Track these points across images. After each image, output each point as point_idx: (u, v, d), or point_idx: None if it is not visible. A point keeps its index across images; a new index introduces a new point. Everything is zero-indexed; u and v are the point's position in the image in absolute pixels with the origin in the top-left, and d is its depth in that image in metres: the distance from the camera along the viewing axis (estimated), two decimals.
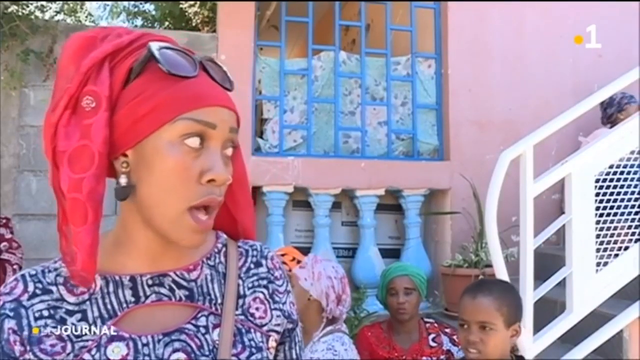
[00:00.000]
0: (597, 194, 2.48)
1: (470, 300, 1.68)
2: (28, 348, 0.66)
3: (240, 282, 0.77)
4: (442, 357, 2.24)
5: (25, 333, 0.66)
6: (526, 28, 4.10)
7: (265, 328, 0.76)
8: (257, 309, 0.76)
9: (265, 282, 0.79)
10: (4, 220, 2.70)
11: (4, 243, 2.60)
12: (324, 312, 1.88)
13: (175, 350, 0.68)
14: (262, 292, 0.78)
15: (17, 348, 0.66)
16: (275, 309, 0.78)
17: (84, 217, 0.65)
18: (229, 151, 0.71)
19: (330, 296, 1.87)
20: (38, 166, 3.55)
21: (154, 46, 0.67)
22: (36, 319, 0.67)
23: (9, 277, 2.50)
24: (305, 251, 3.55)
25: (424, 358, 2.22)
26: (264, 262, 0.81)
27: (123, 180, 0.69)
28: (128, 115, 0.67)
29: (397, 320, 2.28)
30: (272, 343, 0.76)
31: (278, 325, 0.78)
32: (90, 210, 0.66)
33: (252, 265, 0.79)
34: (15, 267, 2.56)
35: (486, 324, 1.62)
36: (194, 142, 0.66)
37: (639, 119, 2.57)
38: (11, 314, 0.67)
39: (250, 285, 0.78)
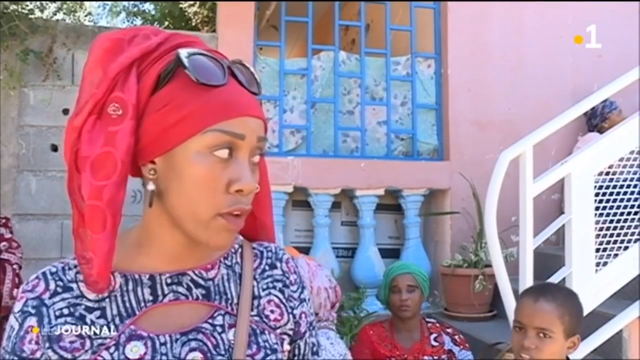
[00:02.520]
0: (597, 194, 2.48)
1: (531, 303, 1.55)
2: (47, 345, 0.67)
3: (255, 283, 0.77)
4: (443, 356, 2.24)
5: (46, 330, 0.67)
6: (526, 28, 4.10)
7: (278, 331, 0.76)
8: (272, 311, 0.76)
9: (280, 285, 0.79)
10: (4, 220, 2.70)
11: (4, 243, 2.59)
12: (317, 316, 1.91)
13: (192, 350, 0.69)
14: (276, 296, 0.78)
15: (29, 347, 0.67)
16: (289, 313, 0.78)
17: (102, 224, 0.66)
18: (256, 159, 0.71)
19: (327, 306, 1.90)
20: (38, 166, 3.55)
21: (183, 53, 0.66)
22: (57, 317, 0.68)
23: (9, 277, 2.50)
24: (305, 251, 3.56)
25: (426, 357, 2.23)
26: (278, 264, 0.80)
27: (151, 187, 0.69)
28: (156, 124, 0.66)
29: (399, 317, 2.29)
30: (286, 346, 0.77)
31: (291, 329, 0.78)
32: (110, 217, 0.66)
33: (266, 267, 0.79)
34: (15, 266, 2.55)
35: (545, 331, 1.50)
36: (223, 153, 0.66)
37: (638, 119, 2.57)
38: (33, 311, 0.69)
39: (264, 286, 0.78)
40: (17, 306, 0.70)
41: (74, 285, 0.70)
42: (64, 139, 0.69)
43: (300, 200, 3.85)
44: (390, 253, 3.98)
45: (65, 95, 3.57)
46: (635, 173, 2.57)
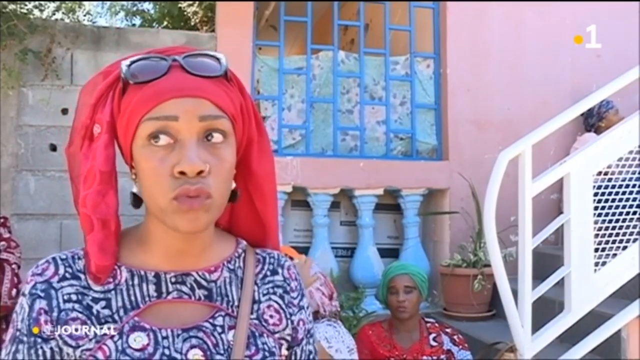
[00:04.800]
0: (596, 194, 2.48)
1: None
2: (55, 329, 0.69)
3: (256, 287, 0.79)
4: (442, 356, 2.24)
5: (55, 314, 0.70)
6: (525, 28, 4.10)
7: (277, 335, 0.78)
8: (271, 316, 0.78)
9: (280, 290, 0.81)
10: (2, 220, 2.69)
11: (2, 242, 2.59)
12: (319, 314, 1.92)
13: (192, 346, 0.71)
14: (276, 302, 0.80)
15: (47, 327, 0.70)
16: (287, 319, 0.80)
17: (90, 226, 0.72)
18: (215, 138, 0.69)
19: (325, 302, 1.91)
20: (36, 166, 3.54)
21: (124, 63, 0.71)
22: (65, 301, 0.71)
23: (8, 276, 2.50)
24: (304, 251, 3.55)
25: (425, 357, 2.23)
26: (280, 270, 0.82)
27: (133, 189, 0.74)
28: (120, 132, 0.72)
29: (397, 318, 2.29)
30: (284, 351, 0.79)
31: (289, 335, 0.80)
32: (96, 220, 0.72)
33: (268, 273, 0.81)
34: (13, 266, 2.55)
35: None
36: (162, 140, 0.68)
37: (638, 118, 2.57)
38: (42, 294, 0.71)
39: (265, 291, 0.80)
40: (26, 288, 0.72)
41: (82, 276, 0.73)
42: (68, 166, 0.78)
43: (299, 200, 3.85)
44: (390, 253, 3.99)
45: (64, 95, 3.56)
46: (634, 173, 2.57)
